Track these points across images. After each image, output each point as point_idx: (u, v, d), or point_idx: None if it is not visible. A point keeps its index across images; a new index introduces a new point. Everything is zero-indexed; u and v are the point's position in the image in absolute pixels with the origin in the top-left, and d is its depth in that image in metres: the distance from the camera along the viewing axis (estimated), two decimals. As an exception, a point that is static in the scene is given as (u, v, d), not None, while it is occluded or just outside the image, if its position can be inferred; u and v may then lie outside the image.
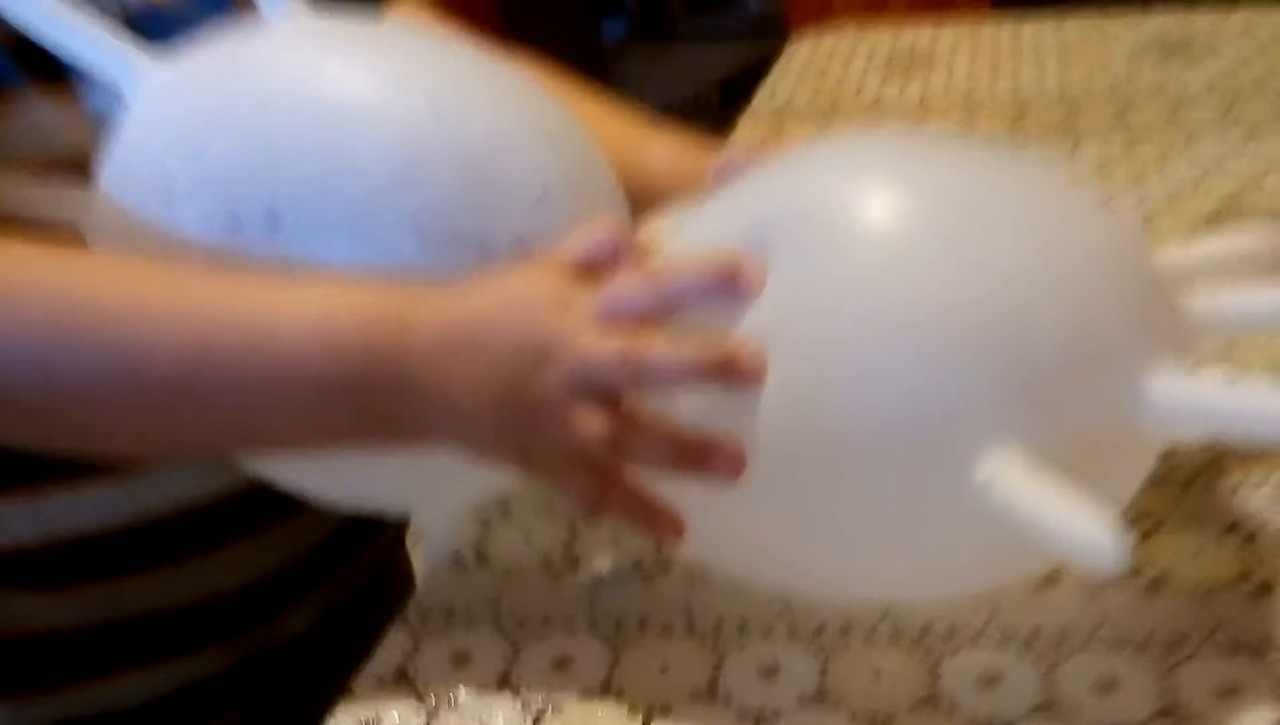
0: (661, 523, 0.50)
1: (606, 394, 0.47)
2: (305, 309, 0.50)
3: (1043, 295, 0.45)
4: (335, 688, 0.56)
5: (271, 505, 0.66)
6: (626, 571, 0.63)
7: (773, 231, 0.48)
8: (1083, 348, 0.44)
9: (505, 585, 0.64)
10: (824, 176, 0.51)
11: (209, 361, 0.50)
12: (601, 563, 0.64)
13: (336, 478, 0.61)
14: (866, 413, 0.45)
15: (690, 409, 0.48)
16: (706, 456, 0.47)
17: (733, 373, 0.46)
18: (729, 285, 0.48)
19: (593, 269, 0.50)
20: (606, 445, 0.47)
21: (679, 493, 0.48)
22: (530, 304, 0.48)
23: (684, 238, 0.54)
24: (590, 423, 0.47)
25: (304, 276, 0.51)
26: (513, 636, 0.60)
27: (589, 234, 0.52)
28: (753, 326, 0.47)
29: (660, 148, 0.69)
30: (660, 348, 0.46)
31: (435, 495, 0.65)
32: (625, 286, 0.48)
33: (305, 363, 0.50)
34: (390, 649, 0.60)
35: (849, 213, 0.48)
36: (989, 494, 0.43)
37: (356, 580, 0.77)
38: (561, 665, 0.57)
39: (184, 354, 0.50)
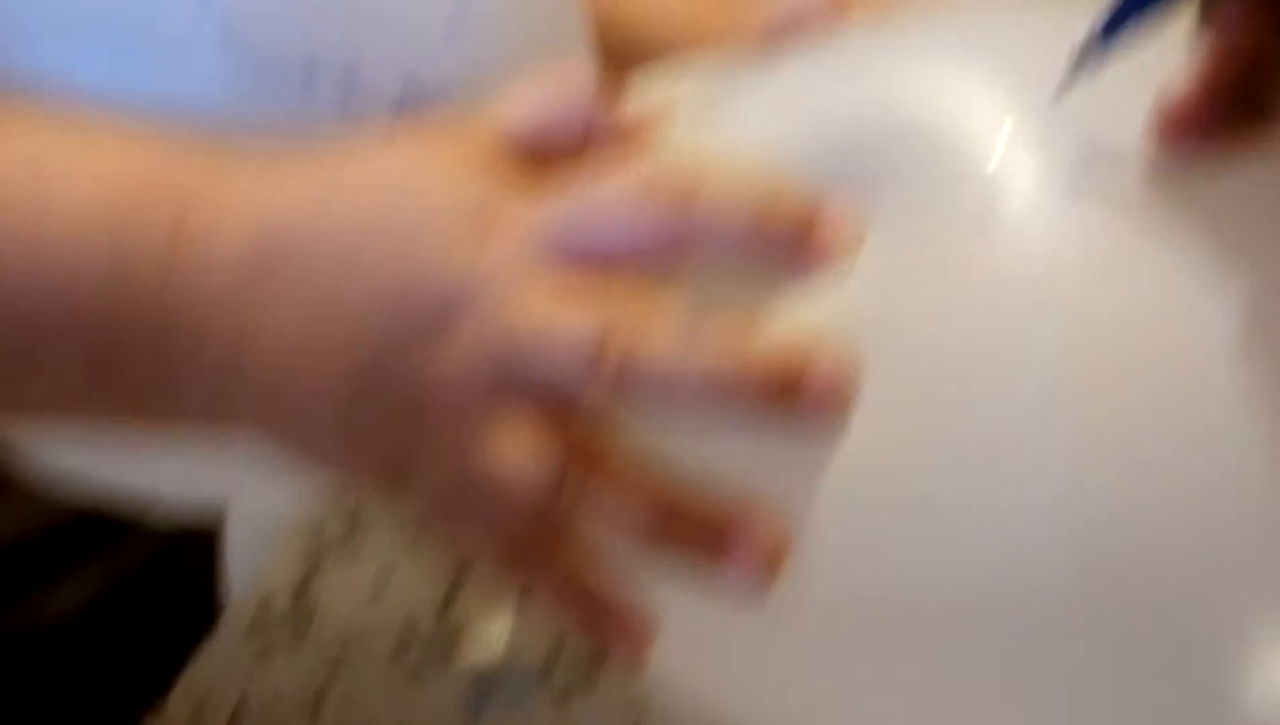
0: (616, 623, 0.33)
1: (556, 402, 0.30)
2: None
3: None
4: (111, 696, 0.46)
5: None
6: (528, 670, 0.45)
7: (872, 154, 0.31)
8: None
9: (330, 678, 0.47)
10: (969, 68, 0.32)
11: None
12: (493, 644, 0.46)
13: (71, 451, 0.46)
14: (1060, 540, 0.27)
15: (701, 453, 0.30)
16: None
17: (797, 397, 0.29)
18: (795, 241, 0.30)
19: (546, 155, 0.33)
20: (540, 490, 0.30)
21: (660, 581, 0.31)
22: (432, 209, 0.32)
23: (709, 130, 0.33)
24: (520, 447, 0.30)
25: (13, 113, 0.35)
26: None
27: (543, 88, 0.33)
28: (830, 328, 0.30)
29: None
30: (665, 333, 0.30)
31: (236, 494, 0.51)
32: (607, 200, 0.31)
33: None
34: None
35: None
36: None
37: (148, 551, 0.62)
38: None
39: None
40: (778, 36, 0.36)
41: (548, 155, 0.33)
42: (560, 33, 0.43)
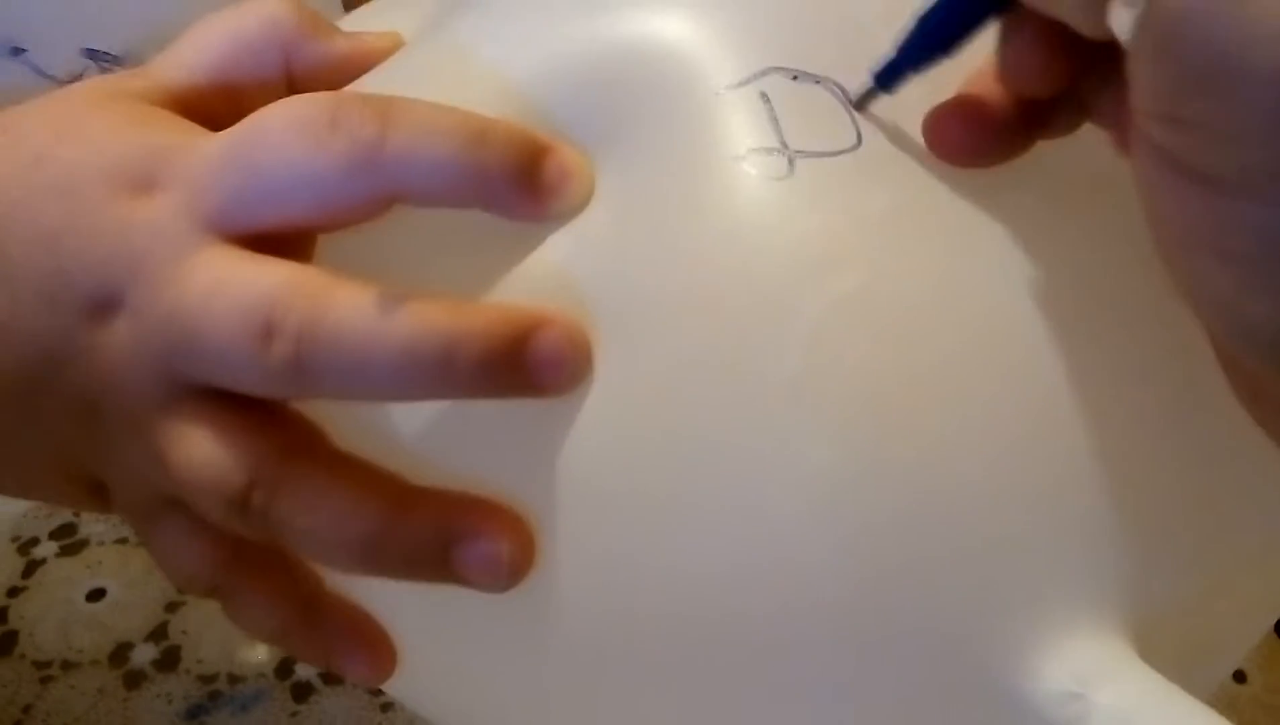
0: (346, 644, 0.28)
1: (235, 388, 0.25)
2: None
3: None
4: None
5: None
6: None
7: (613, 87, 0.26)
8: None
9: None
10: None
11: None
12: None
13: None
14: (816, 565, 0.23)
15: (426, 448, 0.25)
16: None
17: (518, 370, 0.24)
18: (513, 182, 0.25)
19: (239, 96, 0.28)
20: (230, 494, 0.25)
21: (389, 592, 0.26)
22: (90, 160, 0.26)
23: (432, 55, 0.28)
24: (201, 447, 0.25)
25: None
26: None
27: (229, 24, 0.29)
28: (556, 286, 0.24)
29: None
30: (354, 298, 0.24)
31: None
32: (277, 138, 0.25)
33: None
34: None
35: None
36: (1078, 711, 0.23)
37: None
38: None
39: None
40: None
41: (240, 96, 0.28)
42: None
